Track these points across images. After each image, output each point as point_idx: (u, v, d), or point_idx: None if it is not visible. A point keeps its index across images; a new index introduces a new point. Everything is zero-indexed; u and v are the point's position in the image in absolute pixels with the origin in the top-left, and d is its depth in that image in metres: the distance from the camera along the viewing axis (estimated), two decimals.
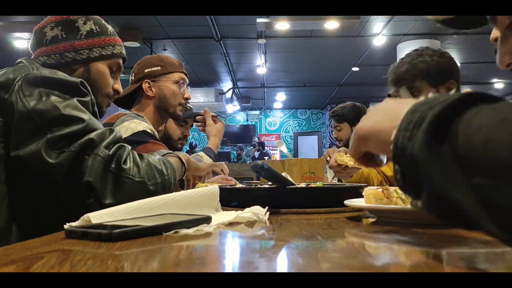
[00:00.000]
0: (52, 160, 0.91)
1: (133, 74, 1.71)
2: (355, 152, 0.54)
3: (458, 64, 1.65)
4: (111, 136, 0.97)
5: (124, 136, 1.46)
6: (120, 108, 1.80)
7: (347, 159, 1.55)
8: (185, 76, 1.72)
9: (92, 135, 0.94)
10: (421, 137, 0.37)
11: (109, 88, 1.22)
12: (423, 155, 0.37)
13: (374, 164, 0.55)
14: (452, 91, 1.52)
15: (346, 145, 2.88)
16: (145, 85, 1.64)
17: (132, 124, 1.50)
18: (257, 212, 0.71)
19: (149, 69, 1.66)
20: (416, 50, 1.63)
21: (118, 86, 1.25)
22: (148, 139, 1.47)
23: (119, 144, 0.98)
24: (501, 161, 0.30)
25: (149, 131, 1.52)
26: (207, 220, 0.64)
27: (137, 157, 0.99)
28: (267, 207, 0.75)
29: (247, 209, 0.73)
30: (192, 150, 10.30)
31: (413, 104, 0.41)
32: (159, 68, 1.66)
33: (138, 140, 1.45)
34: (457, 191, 0.34)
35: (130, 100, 1.73)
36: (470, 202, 0.32)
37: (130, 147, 1.01)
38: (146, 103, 1.66)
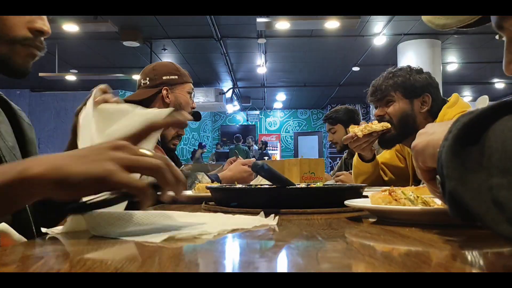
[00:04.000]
0: None
1: (147, 79, 1.75)
2: (420, 170, 0.57)
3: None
4: None
5: None
6: None
7: (357, 129, 1.70)
8: (193, 87, 1.83)
9: None
10: (448, 143, 0.39)
11: (16, 30, 0.81)
12: (447, 159, 0.39)
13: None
14: (428, 104, 1.66)
15: (343, 148, 2.91)
16: (164, 92, 1.72)
17: None
18: (265, 221, 0.68)
19: (167, 77, 1.74)
20: (401, 67, 1.77)
21: (41, 22, 0.85)
22: None
23: None
24: None
25: None
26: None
27: None
28: (273, 215, 0.72)
29: (251, 218, 0.70)
30: (201, 149, 10.40)
31: (459, 116, 0.43)
32: (176, 77, 1.76)
33: None
34: (470, 192, 0.35)
35: (139, 103, 1.77)
36: (484, 204, 0.34)
37: None
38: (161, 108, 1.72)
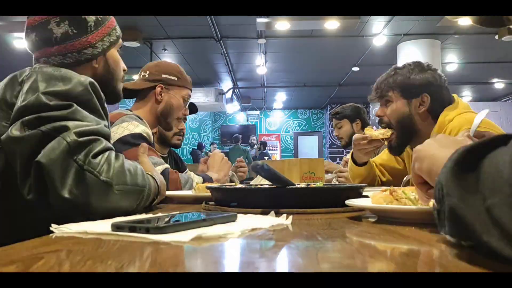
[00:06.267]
0: (18, 133, 0.85)
1: (148, 72, 1.75)
2: (414, 174, 0.60)
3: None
4: (91, 127, 0.88)
5: (119, 136, 1.47)
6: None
7: (375, 133, 1.70)
8: (190, 95, 1.82)
9: (70, 123, 0.86)
10: (449, 165, 0.42)
11: (122, 71, 1.22)
12: (447, 179, 0.42)
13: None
14: (426, 104, 1.62)
15: (348, 144, 2.91)
16: (158, 89, 1.71)
17: (130, 125, 1.52)
18: (280, 220, 0.68)
19: (167, 76, 1.73)
20: (405, 64, 1.74)
21: (124, 65, 1.25)
22: (141, 142, 1.48)
23: (96, 137, 0.88)
24: (504, 179, 0.34)
25: (145, 135, 1.53)
26: (233, 217, 0.67)
27: (112, 156, 0.89)
28: (285, 214, 0.72)
29: (267, 218, 0.70)
30: (200, 149, 10.41)
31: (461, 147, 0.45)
32: (176, 78, 1.75)
33: (132, 141, 1.46)
34: (471, 212, 0.37)
35: (133, 93, 1.76)
36: (483, 223, 0.36)
37: (108, 144, 0.91)
38: (150, 104, 1.72)
